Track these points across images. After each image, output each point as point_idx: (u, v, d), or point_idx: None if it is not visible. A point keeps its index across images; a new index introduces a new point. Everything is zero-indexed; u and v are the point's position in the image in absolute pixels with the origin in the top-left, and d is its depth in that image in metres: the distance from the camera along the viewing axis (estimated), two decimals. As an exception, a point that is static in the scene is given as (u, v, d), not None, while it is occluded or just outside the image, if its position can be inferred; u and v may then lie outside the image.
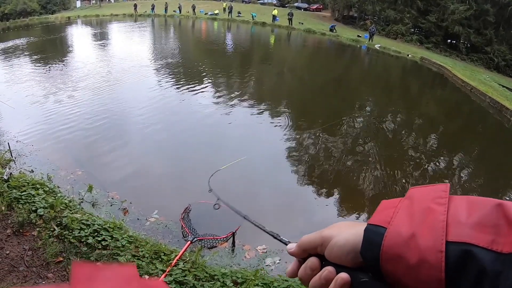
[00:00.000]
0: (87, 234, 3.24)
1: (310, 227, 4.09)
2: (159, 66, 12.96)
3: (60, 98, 8.49)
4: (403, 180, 6.11)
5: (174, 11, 34.08)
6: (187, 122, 7.62)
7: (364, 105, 10.71)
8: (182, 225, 3.93)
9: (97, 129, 6.82)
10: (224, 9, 33.40)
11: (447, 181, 6.37)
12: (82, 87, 9.49)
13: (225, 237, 3.75)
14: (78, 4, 41.30)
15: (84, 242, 3.18)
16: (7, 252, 3.01)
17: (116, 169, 5.43)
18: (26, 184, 3.93)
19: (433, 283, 0.32)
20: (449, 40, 30.91)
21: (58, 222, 3.38)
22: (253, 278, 2.96)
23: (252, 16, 31.29)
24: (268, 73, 14.15)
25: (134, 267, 0.26)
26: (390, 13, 30.52)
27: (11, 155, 5.30)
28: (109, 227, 3.39)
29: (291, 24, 28.40)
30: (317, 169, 6.24)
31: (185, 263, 3.08)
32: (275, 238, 0.50)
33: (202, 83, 10.87)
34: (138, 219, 4.16)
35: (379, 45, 23.38)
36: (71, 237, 3.20)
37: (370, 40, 24.52)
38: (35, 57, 13.61)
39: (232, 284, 2.92)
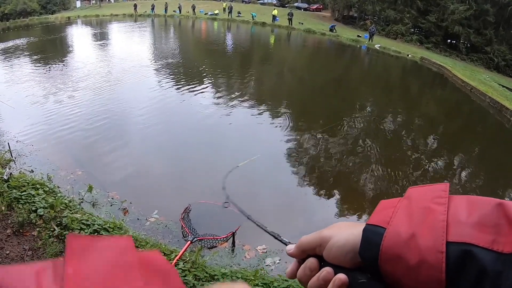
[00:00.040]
0: (87, 234, 3.24)
1: (310, 227, 4.09)
2: (159, 66, 12.96)
3: (60, 98, 8.49)
4: (403, 180, 6.10)
5: (174, 11, 34.08)
6: (187, 122, 7.62)
7: (364, 105, 10.71)
8: (182, 225, 3.93)
9: (97, 129, 6.82)
10: (224, 9, 33.40)
11: (446, 181, 6.37)
12: (82, 87, 9.49)
13: (225, 237, 3.75)
14: (78, 4, 41.31)
15: (84, 242, 3.17)
16: (7, 252, 3.01)
17: (116, 169, 5.44)
18: (26, 184, 3.93)
19: (433, 284, 0.31)
20: (449, 40, 30.91)
21: (58, 222, 3.38)
22: (253, 278, 2.96)
23: (252, 16, 31.28)
24: (268, 73, 14.15)
25: (130, 238, 0.25)
26: (390, 13, 30.52)
27: (11, 155, 5.30)
28: (109, 227, 3.40)
29: (291, 24, 28.40)
30: (317, 169, 6.24)
31: (185, 263, 3.09)
32: (276, 238, 0.50)
33: (202, 83, 10.87)
34: (138, 219, 4.16)
35: (379, 45, 23.38)
36: (71, 237, 3.19)
37: (370, 40, 24.51)
38: (35, 57, 13.61)
39: (232, 284, 2.91)
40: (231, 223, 3.74)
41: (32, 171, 4.92)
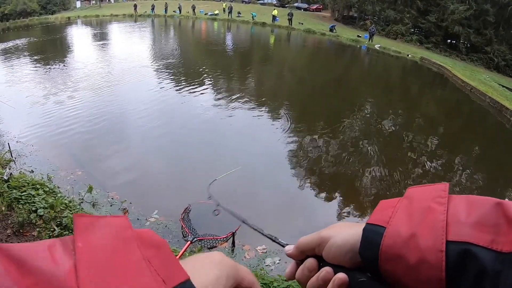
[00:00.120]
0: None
1: (310, 228, 4.09)
2: (160, 66, 12.97)
3: (60, 99, 8.49)
4: (404, 180, 6.10)
5: (174, 11, 34.09)
6: (188, 123, 7.62)
7: (364, 105, 10.71)
8: (182, 225, 3.92)
9: (97, 130, 6.83)
10: (224, 9, 33.41)
11: (446, 181, 6.37)
12: (83, 88, 9.49)
13: (225, 237, 3.75)
14: (78, 4, 41.32)
15: (84, 242, 3.17)
16: (7, 252, 3.01)
17: (116, 170, 5.44)
18: (26, 184, 3.93)
19: (433, 283, 0.31)
20: (449, 40, 30.92)
21: (58, 222, 3.39)
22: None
23: (252, 16, 31.29)
24: (268, 74, 14.15)
25: (127, 217, 0.29)
26: (390, 13, 30.54)
27: (11, 156, 5.30)
28: (109, 227, 3.39)
29: (291, 24, 28.41)
30: (317, 169, 6.24)
31: (185, 263, 3.08)
32: (274, 241, 0.50)
33: (202, 84, 10.88)
34: (138, 219, 4.16)
35: (379, 45, 23.39)
36: (71, 237, 3.20)
37: (370, 40, 24.52)
38: (35, 57, 13.62)
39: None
40: (231, 223, 3.74)
41: (32, 171, 4.93)
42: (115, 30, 25.17)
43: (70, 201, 3.92)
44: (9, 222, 3.33)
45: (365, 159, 6.69)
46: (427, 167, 6.89)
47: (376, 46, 23.21)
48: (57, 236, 3.22)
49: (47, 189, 4.01)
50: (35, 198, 3.66)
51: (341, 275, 0.37)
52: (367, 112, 10.01)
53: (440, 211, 0.34)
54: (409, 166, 6.76)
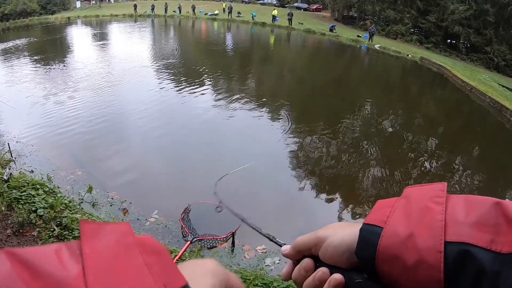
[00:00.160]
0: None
1: (310, 228, 4.08)
2: (160, 66, 12.97)
3: (60, 99, 8.49)
4: (403, 180, 6.10)
5: (174, 11, 34.09)
6: (188, 123, 7.62)
7: (364, 105, 10.70)
8: (181, 225, 3.93)
9: (97, 130, 6.82)
10: (224, 9, 33.42)
11: (446, 181, 6.36)
12: (83, 88, 9.49)
13: (225, 237, 3.75)
14: (78, 4, 41.33)
15: (84, 243, 3.17)
16: (7, 252, 3.01)
17: (116, 169, 5.43)
18: (26, 184, 3.93)
19: (431, 284, 0.31)
20: (449, 40, 30.92)
21: (58, 222, 3.39)
22: (252, 278, 2.96)
23: (252, 16, 31.28)
24: (268, 74, 14.15)
25: (129, 225, 0.30)
26: (390, 13, 30.53)
27: (11, 156, 5.30)
28: (109, 227, 3.39)
29: (291, 24, 28.40)
30: (318, 169, 6.24)
31: (185, 263, 3.08)
32: (271, 240, 0.50)
33: (203, 84, 10.88)
34: (138, 219, 4.16)
35: (379, 45, 23.38)
36: (71, 237, 3.20)
37: (370, 40, 24.52)
38: (36, 57, 13.62)
39: (232, 284, 2.91)
40: (230, 223, 3.74)
41: (32, 171, 4.93)
42: (115, 30, 25.17)
43: (70, 201, 3.92)
44: (9, 222, 3.33)
45: (365, 159, 6.68)
46: (427, 167, 6.89)
47: (376, 46, 23.20)
48: (57, 236, 3.22)
49: (47, 189, 4.01)
50: (35, 198, 3.66)
51: (337, 276, 0.37)
52: (367, 112, 10.01)
53: (438, 211, 0.33)
54: (409, 166, 6.76)
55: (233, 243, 3.77)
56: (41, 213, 3.44)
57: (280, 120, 8.15)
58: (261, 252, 3.74)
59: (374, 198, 5.38)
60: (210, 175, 5.14)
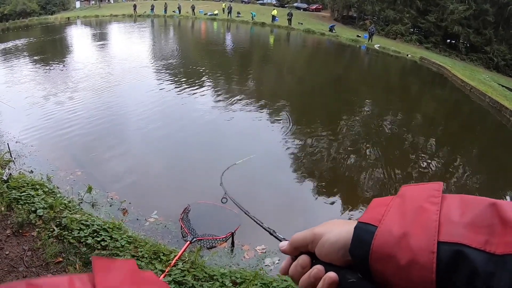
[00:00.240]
0: (86, 234, 3.24)
1: (310, 227, 4.08)
2: (159, 67, 12.96)
3: (60, 99, 8.49)
4: (403, 180, 6.11)
5: (173, 11, 34.07)
6: (187, 123, 7.62)
7: (364, 105, 10.71)
8: (181, 225, 3.92)
9: (96, 130, 6.82)
10: (224, 9, 33.40)
11: (446, 181, 6.37)
12: (82, 88, 9.49)
13: (224, 237, 3.75)
14: (78, 4, 41.30)
15: (84, 243, 3.18)
16: (7, 252, 3.01)
17: (116, 170, 5.43)
18: (26, 184, 3.93)
19: (423, 284, 0.31)
20: (448, 40, 30.91)
21: (58, 223, 3.38)
22: (252, 278, 2.96)
23: (252, 16, 31.26)
24: (268, 74, 14.15)
25: (134, 262, 0.33)
26: (389, 13, 30.53)
27: (11, 156, 5.30)
28: (109, 227, 3.39)
29: (291, 24, 28.39)
30: (318, 170, 6.24)
31: (184, 263, 3.08)
32: (272, 234, 0.51)
33: (202, 84, 10.87)
34: (137, 219, 4.15)
35: (379, 45, 23.38)
36: (70, 237, 3.20)
37: (370, 40, 24.51)
38: (35, 58, 13.61)
39: (231, 284, 2.92)
40: (230, 223, 3.74)
41: (32, 171, 4.92)
42: (115, 30, 25.16)
43: (69, 201, 3.92)
44: (9, 222, 3.33)
45: (365, 159, 6.69)
46: (427, 167, 6.89)
47: (376, 46, 23.20)
48: (56, 237, 3.22)
49: (47, 189, 4.01)
50: (35, 199, 3.65)
51: (332, 274, 0.37)
52: (367, 112, 10.01)
53: (433, 211, 0.33)
54: (409, 166, 6.76)
55: (232, 243, 3.76)
56: (41, 214, 3.44)
57: (280, 121, 8.14)
58: (261, 252, 3.74)
59: (373, 196, 5.36)
60: (210, 174, 5.13)
